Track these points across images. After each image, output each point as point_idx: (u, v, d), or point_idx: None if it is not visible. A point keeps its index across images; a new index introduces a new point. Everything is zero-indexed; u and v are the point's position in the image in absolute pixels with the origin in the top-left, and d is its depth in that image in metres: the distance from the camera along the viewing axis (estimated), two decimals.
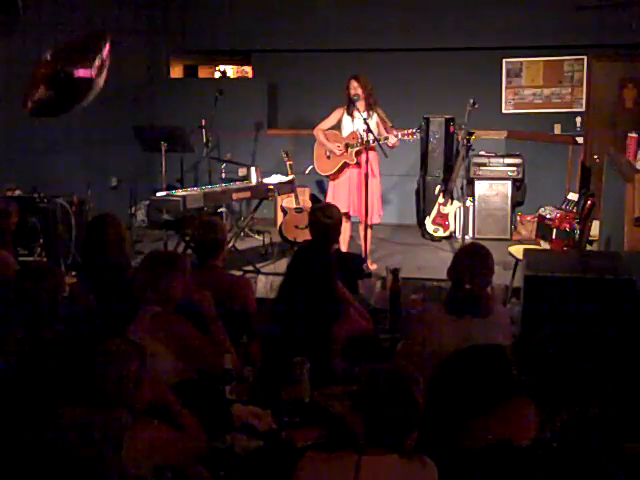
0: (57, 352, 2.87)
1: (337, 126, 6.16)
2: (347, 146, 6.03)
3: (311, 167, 6.46)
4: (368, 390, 2.17)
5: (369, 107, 5.96)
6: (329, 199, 6.13)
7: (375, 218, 6.13)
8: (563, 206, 6.55)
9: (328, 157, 6.17)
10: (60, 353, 2.88)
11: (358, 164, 5.97)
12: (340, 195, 6.09)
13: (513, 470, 2.34)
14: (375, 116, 5.99)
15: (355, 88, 5.90)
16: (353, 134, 6.00)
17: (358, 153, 5.95)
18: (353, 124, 6.02)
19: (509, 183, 7.49)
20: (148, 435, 2.28)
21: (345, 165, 6.07)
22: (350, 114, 6.03)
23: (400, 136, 5.93)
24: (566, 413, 2.38)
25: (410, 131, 5.96)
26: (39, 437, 2.35)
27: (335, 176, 6.15)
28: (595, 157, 7.39)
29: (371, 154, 5.93)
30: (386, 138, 5.88)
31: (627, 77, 7.86)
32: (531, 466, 2.34)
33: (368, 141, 5.75)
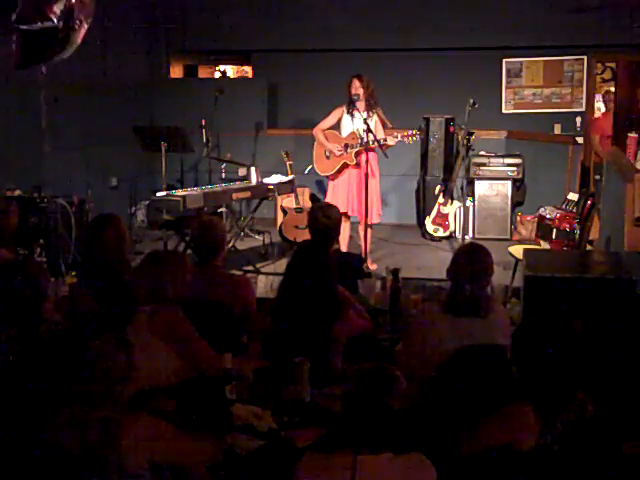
0: (56, 352, 2.87)
1: (337, 125, 6.16)
2: (347, 147, 6.02)
3: (310, 167, 6.46)
4: (345, 391, 2.19)
5: (369, 107, 5.95)
6: (328, 199, 6.13)
7: (375, 218, 6.13)
8: (563, 206, 6.55)
9: (327, 157, 6.16)
10: (59, 353, 2.88)
11: (358, 164, 5.96)
12: (339, 195, 6.09)
13: (513, 474, 2.34)
14: (375, 117, 5.98)
15: (356, 88, 5.89)
16: (353, 134, 5.99)
17: (358, 154, 5.94)
18: (353, 124, 6.01)
19: (509, 183, 7.49)
20: (144, 429, 2.28)
21: (345, 166, 6.07)
22: (350, 113, 6.02)
23: (400, 137, 5.92)
24: (566, 414, 2.38)
25: (410, 133, 5.95)
26: (36, 437, 2.34)
27: (334, 176, 6.15)
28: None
29: (371, 154, 5.92)
30: (385, 139, 5.87)
31: None
32: (532, 470, 2.34)
33: (368, 142, 5.74)
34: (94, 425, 2.24)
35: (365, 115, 5.83)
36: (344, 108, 6.04)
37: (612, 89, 7.88)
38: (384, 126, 6.06)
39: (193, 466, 2.38)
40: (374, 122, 5.96)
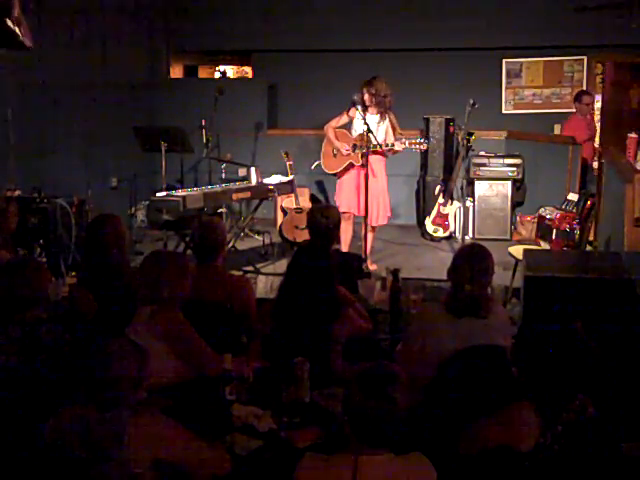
0: (57, 352, 2.87)
1: (349, 124, 6.13)
2: (354, 147, 6.03)
3: (318, 162, 6.44)
4: (347, 391, 2.19)
5: (380, 111, 5.95)
6: (336, 196, 6.16)
7: (381, 219, 6.12)
8: (563, 206, 6.55)
9: (334, 155, 6.16)
10: (60, 353, 2.88)
11: (363, 166, 5.95)
12: (343, 194, 6.10)
13: (513, 474, 2.34)
14: (387, 120, 5.98)
15: (364, 93, 5.89)
16: (361, 136, 5.98)
17: (363, 155, 5.94)
18: (362, 125, 5.99)
19: (509, 183, 7.48)
20: (147, 425, 2.27)
21: (350, 165, 6.07)
22: (361, 114, 5.99)
23: (407, 145, 5.94)
24: (566, 415, 2.38)
25: (418, 141, 5.98)
26: (38, 437, 2.34)
27: (341, 174, 6.16)
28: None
29: (378, 157, 5.94)
30: (392, 145, 5.88)
31: None
32: (532, 470, 2.34)
33: (373, 145, 5.75)
34: (98, 423, 2.24)
35: (378, 118, 5.85)
36: (356, 108, 6.01)
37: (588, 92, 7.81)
38: (394, 131, 6.06)
39: (196, 466, 2.37)
40: (385, 126, 5.96)
